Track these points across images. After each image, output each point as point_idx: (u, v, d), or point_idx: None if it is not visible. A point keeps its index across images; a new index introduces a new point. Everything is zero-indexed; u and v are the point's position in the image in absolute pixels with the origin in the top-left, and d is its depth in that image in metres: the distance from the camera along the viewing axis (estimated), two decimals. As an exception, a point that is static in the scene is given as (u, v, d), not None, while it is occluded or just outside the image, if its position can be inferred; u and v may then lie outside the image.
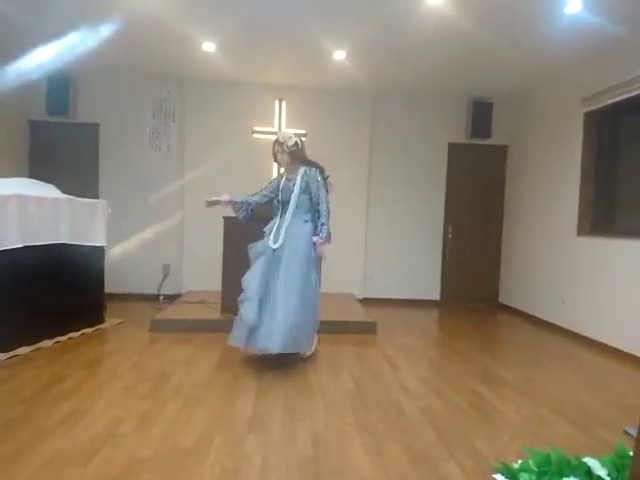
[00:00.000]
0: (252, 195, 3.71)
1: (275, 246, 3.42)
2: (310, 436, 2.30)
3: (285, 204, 3.56)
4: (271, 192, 3.69)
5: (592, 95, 4.52)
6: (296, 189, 3.50)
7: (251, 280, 3.40)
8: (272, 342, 3.22)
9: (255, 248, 3.56)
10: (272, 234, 3.48)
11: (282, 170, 3.88)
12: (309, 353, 3.63)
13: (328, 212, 3.56)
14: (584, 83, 4.66)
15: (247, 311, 3.32)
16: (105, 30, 4.30)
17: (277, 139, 3.63)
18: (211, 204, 3.64)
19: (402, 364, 3.59)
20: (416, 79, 5.61)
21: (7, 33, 4.54)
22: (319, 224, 3.53)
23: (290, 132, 3.77)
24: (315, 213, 3.55)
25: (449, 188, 6.34)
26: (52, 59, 4.84)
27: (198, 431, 2.31)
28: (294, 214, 3.50)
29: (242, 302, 3.41)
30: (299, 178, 3.51)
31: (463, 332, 4.84)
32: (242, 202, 3.66)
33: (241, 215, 3.70)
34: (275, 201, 3.67)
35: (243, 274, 4.14)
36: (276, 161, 3.74)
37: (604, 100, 4.39)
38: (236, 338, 3.41)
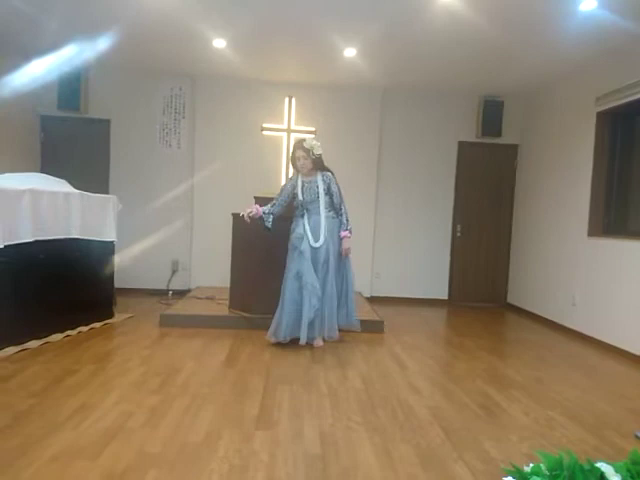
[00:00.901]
0: (273, 205, 3.93)
1: (317, 245, 3.78)
2: (318, 434, 2.30)
3: (309, 204, 3.88)
4: (287, 198, 3.96)
5: (605, 94, 4.46)
6: (321, 191, 3.86)
7: (312, 278, 3.70)
8: (334, 331, 3.86)
9: (294, 246, 3.82)
10: (309, 234, 3.79)
11: (293, 173, 4.05)
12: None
13: (347, 210, 3.99)
14: (597, 82, 4.60)
15: (312, 306, 3.69)
16: (116, 27, 4.31)
17: (301, 144, 3.87)
18: (247, 215, 3.83)
19: (410, 363, 3.58)
20: (426, 77, 5.57)
21: (18, 32, 4.56)
22: (344, 220, 3.92)
23: (313, 139, 3.95)
24: (336, 211, 3.91)
25: (458, 187, 6.30)
26: (67, 61, 4.88)
27: (206, 427, 2.31)
28: (325, 214, 3.86)
29: (313, 302, 3.70)
30: (320, 181, 3.87)
31: (471, 332, 4.82)
32: (269, 214, 3.88)
33: (267, 224, 3.88)
34: (296, 202, 3.92)
35: (251, 271, 4.22)
36: (295, 164, 3.93)
37: (618, 99, 4.33)
38: (283, 333, 3.76)
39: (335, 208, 3.91)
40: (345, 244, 3.90)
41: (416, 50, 4.72)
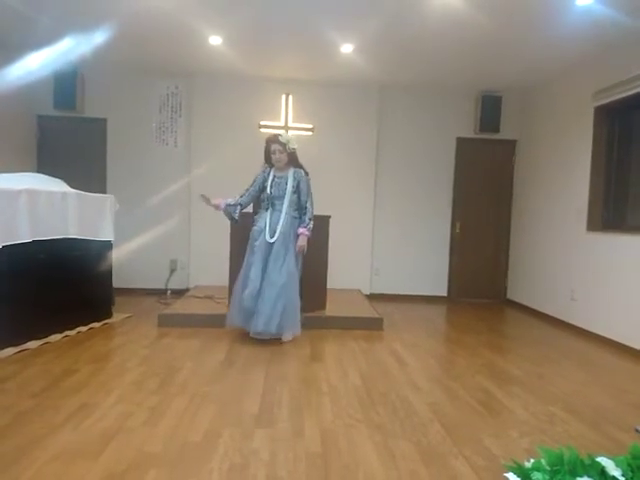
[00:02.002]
0: (241, 196, 3.97)
1: (272, 240, 3.81)
2: (318, 432, 2.30)
3: (275, 199, 3.90)
4: (257, 190, 3.99)
5: (603, 89, 4.45)
6: (289, 188, 3.88)
7: (255, 272, 3.77)
8: (269, 326, 3.73)
9: (253, 238, 3.89)
10: (267, 228, 3.84)
11: (266, 168, 4.03)
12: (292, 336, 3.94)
13: (313, 210, 3.96)
14: (595, 77, 4.60)
15: (248, 298, 3.74)
16: (111, 26, 4.29)
17: (277, 137, 3.90)
18: (206, 201, 3.87)
19: (410, 360, 3.58)
20: (424, 72, 5.55)
21: (13, 29, 4.53)
22: (306, 219, 3.90)
23: (290, 135, 4.01)
24: (300, 210, 3.93)
25: (457, 183, 6.29)
26: (61, 57, 4.85)
27: (206, 426, 2.31)
28: (287, 211, 3.87)
29: (245, 288, 3.77)
30: (290, 178, 3.90)
31: (471, 328, 4.82)
32: (235, 205, 3.92)
33: (235, 216, 3.96)
34: (263, 196, 3.96)
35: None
36: (269, 158, 3.94)
37: (615, 94, 4.33)
38: (234, 320, 3.89)
39: (299, 207, 3.92)
40: (300, 241, 3.85)
41: (413, 46, 4.71)
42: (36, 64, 4.87)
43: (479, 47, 4.64)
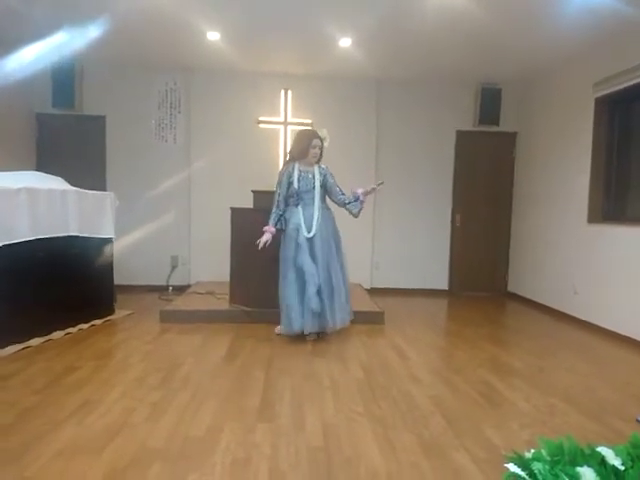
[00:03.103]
0: (277, 206, 3.91)
1: (309, 235, 3.78)
2: (320, 426, 2.31)
3: (303, 194, 3.86)
4: (286, 191, 3.90)
5: (603, 80, 4.43)
6: (317, 183, 3.87)
7: (311, 269, 3.71)
8: (334, 320, 3.80)
9: (292, 237, 3.81)
10: (303, 224, 3.79)
11: (286, 162, 4.01)
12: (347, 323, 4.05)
13: None
14: (595, 68, 4.57)
15: (313, 294, 3.69)
16: (108, 22, 4.27)
17: (317, 133, 3.90)
18: (267, 244, 3.81)
19: (411, 353, 3.59)
20: (423, 65, 5.53)
21: (8, 25, 4.49)
22: (351, 198, 3.92)
23: (325, 132, 3.97)
24: (341, 201, 3.96)
25: (457, 176, 6.28)
26: (55, 51, 4.82)
27: (208, 421, 2.32)
28: (319, 205, 3.86)
29: (312, 292, 3.68)
30: (317, 172, 3.89)
31: (472, 321, 4.82)
32: (278, 218, 3.90)
33: (284, 227, 3.91)
34: (290, 191, 3.87)
35: (250, 265, 4.22)
36: (307, 151, 3.87)
37: (616, 85, 4.31)
38: (304, 325, 3.75)
39: (335, 198, 3.95)
40: (368, 190, 3.91)
41: (412, 39, 4.69)
42: (32, 60, 4.84)
43: (478, 39, 4.61)
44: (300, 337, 3.80)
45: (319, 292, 3.72)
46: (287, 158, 4.04)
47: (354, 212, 3.93)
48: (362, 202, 3.91)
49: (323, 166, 3.96)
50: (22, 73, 4.95)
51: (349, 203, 3.92)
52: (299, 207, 3.85)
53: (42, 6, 4.07)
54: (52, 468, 1.88)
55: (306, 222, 3.81)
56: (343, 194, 3.95)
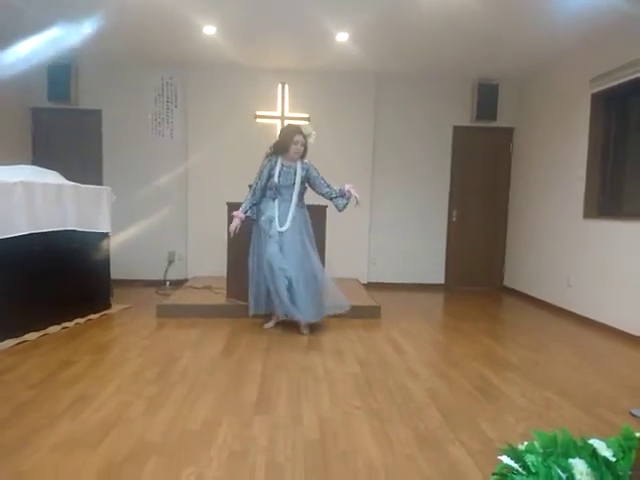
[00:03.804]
0: (253, 194, 3.93)
1: (282, 229, 3.79)
2: (316, 419, 2.32)
3: (282, 189, 3.87)
4: (265, 182, 3.91)
5: (599, 76, 4.44)
6: (298, 178, 3.87)
7: (279, 260, 3.74)
8: (306, 314, 3.84)
9: (263, 228, 3.86)
10: (277, 218, 3.81)
11: (268, 155, 3.99)
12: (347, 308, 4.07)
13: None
14: (592, 63, 4.57)
15: (281, 285, 3.73)
16: (104, 16, 4.24)
17: (300, 129, 3.89)
18: (235, 230, 3.88)
19: (407, 347, 3.60)
20: (420, 61, 5.52)
21: (4, 19, 4.46)
22: (337, 192, 3.92)
23: (310, 129, 3.96)
24: (324, 194, 3.97)
25: (454, 171, 6.29)
26: (51, 45, 4.78)
27: (205, 414, 2.33)
28: (296, 202, 3.87)
29: (281, 285, 3.72)
30: (299, 169, 3.89)
31: (468, 315, 4.85)
32: (251, 206, 3.91)
33: (254, 217, 3.94)
34: (270, 184, 3.89)
35: (247, 260, 4.20)
36: (289, 147, 3.87)
37: (612, 81, 4.32)
38: (260, 307, 3.95)
39: (321, 191, 3.96)
40: (354, 193, 3.87)
41: (409, 34, 4.67)
42: (28, 54, 4.80)
43: (475, 35, 4.61)
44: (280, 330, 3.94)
45: (289, 286, 3.74)
46: (269, 150, 4.00)
47: (339, 206, 3.93)
48: (348, 198, 3.89)
49: (306, 161, 3.96)
50: (18, 67, 4.92)
51: (335, 197, 3.93)
52: (276, 201, 3.87)
53: (39, 1, 4.03)
54: (48, 462, 1.88)
55: (280, 217, 3.82)
56: (329, 187, 3.95)
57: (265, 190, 3.92)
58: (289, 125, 4.15)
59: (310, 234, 3.96)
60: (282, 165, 3.88)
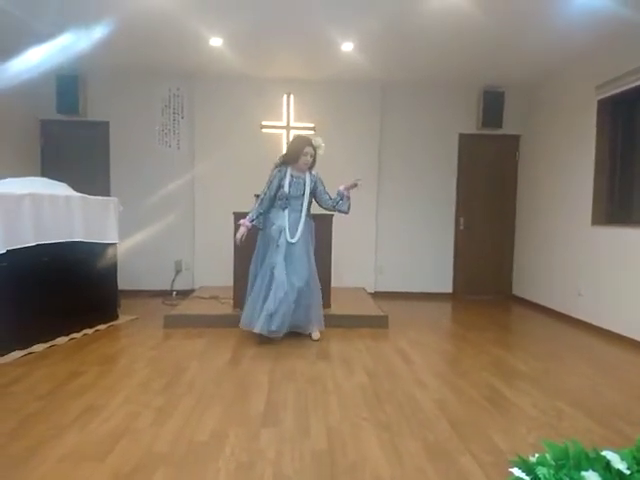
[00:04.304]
0: (260, 203, 3.92)
1: (293, 240, 3.81)
2: (324, 430, 2.30)
3: (292, 199, 3.89)
4: (274, 192, 3.91)
5: (606, 82, 4.43)
6: (307, 189, 3.91)
7: (281, 272, 3.74)
8: (306, 323, 3.90)
9: (273, 238, 3.84)
10: (287, 228, 3.82)
11: (277, 165, 4.00)
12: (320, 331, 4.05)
13: None
14: (598, 70, 4.57)
15: (276, 298, 3.69)
16: (111, 28, 4.29)
17: (310, 141, 3.93)
18: (242, 238, 3.88)
19: (416, 357, 3.57)
20: (426, 69, 5.54)
21: (11, 32, 4.49)
22: (339, 200, 3.97)
23: (320, 140, 4.00)
24: (330, 206, 4.02)
25: (460, 179, 6.27)
26: (57, 56, 4.81)
27: (212, 426, 2.32)
28: (306, 213, 3.91)
29: (279, 296, 3.70)
30: (308, 180, 3.93)
31: (477, 324, 4.80)
32: (258, 216, 3.91)
33: (261, 226, 3.96)
34: (279, 194, 3.90)
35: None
36: (299, 158, 3.90)
37: (618, 87, 4.30)
38: (254, 324, 3.78)
39: (325, 204, 4.01)
40: (351, 185, 3.93)
41: (414, 43, 4.70)
42: (36, 66, 4.85)
43: (480, 42, 4.62)
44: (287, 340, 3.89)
45: (285, 297, 3.71)
46: (279, 160, 4.02)
47: (344, 209, 3.99)
48: (347, 197, 3.96)
49: (314, 173, 4.01)
50: (25, 76, 4.95)
51: (337, 204, 3.98)
52: (286, 211, 3.88)
53: (46, 13, 4.08)
54: (56, 474, 1.87)
55: (290, 227, 3.84)
56: (331, 199, 4.01)
57: (274, 200, 3.93)
58: (299, 136, 4.19)
59: (312, 244, 4.01)
60: (292, 176, 3.90)
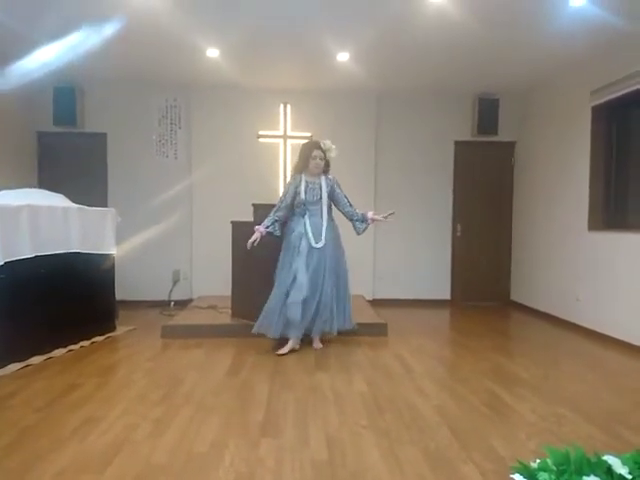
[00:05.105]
0: (276, 211, 3.95)
1: (318, 246, 3.82)
2: (324, 439, 2.28)
3: (310, 205, 3.90)
4: (290, 200, 3.94)
5: (599, 88, 4.47)
6: (325, 194, 3.91)
7: (303, 277, 3.73)
8: (332, 326, 3.90)
9: (293, 244, 3.84)
10: (310, 233, 3.82)
11: (293, 174, 4.05)
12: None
13: None
14: (591, 77, 4.61)
15: (292, 302, 3.71)
16: (108, 38, 4.30)
17: (319, 144, 3.95)
18: (254, 243, 3.87)
19: (415, 365, 3.56)
20: (421, 78, 5.59)
21: (8, 43, 4.50)
22: (359, 216, 3.97)
23: (330, 143, 4.01)
24: (345, 212, 4.00)
25: (457, 186, 6.30)
26: (53, 64, 4.82)
27: (212, 436, 2.30)
28: (327, 217, 3.91)
29: (296, 300, 3.71)
30: (324, 184, 3.92)
31: (475, 331, 4.80)
32: (273, 223, 3.92)
33: (277, 233, 3.95)
34: (297, 202, 3.91)
35: (252, 279, 4.23)
36: (308, 163, 3.92)
37: (611, 93, 4.35)
38: (271, 330, 3.80)
39: (344, 208, 3.98)
40: (377, 217, 3.95)
41: (409, 52, 4.74)
42: (31, 72, 4.85)
43: (474, 50, 4.66)
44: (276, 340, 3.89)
45: (304, 302, 3.71)
46: (293, 170, 4.10)
47: (358, 230, 4.00)
48: (368, 224, 3.97)
49: (330, 176, 4.00)
50: (23, 87, 4.95)
51: (356, 220, 3.96)
52: (305, 217, 3.89)
53: (44, 23, 4.07)
54: (54, 487, 1.86)
55: (314, 232, 3.84)
56: (351, 206, 3.99)
57: (290, 208, 3.95)
58: (308, 142, 4.22)
59: (341, 250, 4.00)
60: (307, 182, 3.91)
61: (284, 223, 3.99)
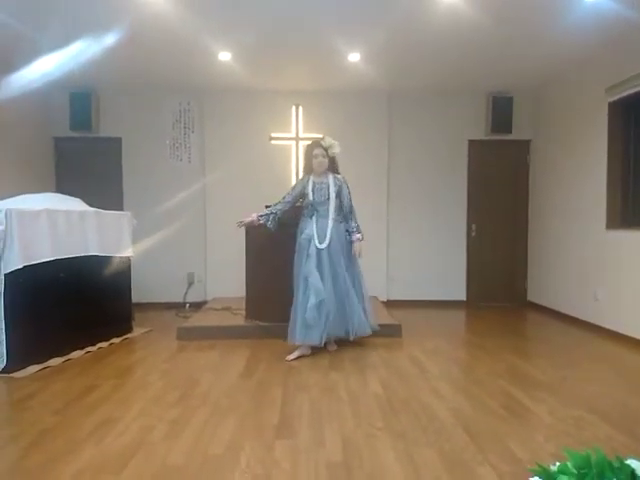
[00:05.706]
0: (277, 204, 3.95)
1: (322, 246, 3.77)
2: (339, 441, 2.28)
3: (318, 205, 3.86)
4: (294, 198, 3.96)
5: (615, 84, 4.39)
6: (332, 194, 3.86)
7: (316, 279, 3.67)
8: (347, 330, 3.82)
9: (304, 247, 3.82)
10: (316, 234, 3.79)
11: (303, 175, 4.06)
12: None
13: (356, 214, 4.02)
14: (607, 72, 4.53)
15: (311, 305, 3.63)
16: (121, 44, 4.34)
17: (319, 142, 3.92)
18: (243, 225, 3.96)
19: (430, 366, 3.53)
20: (433, 77, 5.55)
21: (18, 48, 4.53)
22: (353, 225, 3.93)
23: (332, 140, 3.96)
24: (345, 215, 3.93)
25: (471, 185, 6.24)
26: (67, 66, 4.86)
27: (227, 438, 2.31)
28: (333, 217, 3.85)
29: (312, 303, 3.63)
30: (332, 183, 3.88)
31: (492, 332, 4.74)
32: (269, 214, 3.92)
33: (270, 225, 3.93)
34: (305, 202, 3.92)
35: (266, 280, 4.23)
36: (311, 162, 3.91)
37: (629, 89, 4.26)
38: (306, 337, 3.71)
39: (344, 212, 3.92)
40: (357, 248, 3.89)
41: (420, 51, 4.72)
42: (44, 76, 4.91)
43: (487, 48, 4.62)
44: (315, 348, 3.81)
45: (320, 305, 3.65)
46: (303, 174, 4.10)
47: (351, 237, 3.94)
48: (353, 241, 3.91)
49: (339, 176, 3.95)
50: (36, 90, 4.99)
51: (350, 232, 3.92)
52: (313, 218, 3.87)
53: (54, 29, 4.11)
54: (73, 488, 1.88)
55: (319, 233, 3.80)
56: (351, 213, 3.94)
57: (293, 204, 3.96)
58: (309, 143, 4.18)
59: (348, 250, 3.90)
60: (314, 182, 3.89)
61: (285, 221, 3.97)
